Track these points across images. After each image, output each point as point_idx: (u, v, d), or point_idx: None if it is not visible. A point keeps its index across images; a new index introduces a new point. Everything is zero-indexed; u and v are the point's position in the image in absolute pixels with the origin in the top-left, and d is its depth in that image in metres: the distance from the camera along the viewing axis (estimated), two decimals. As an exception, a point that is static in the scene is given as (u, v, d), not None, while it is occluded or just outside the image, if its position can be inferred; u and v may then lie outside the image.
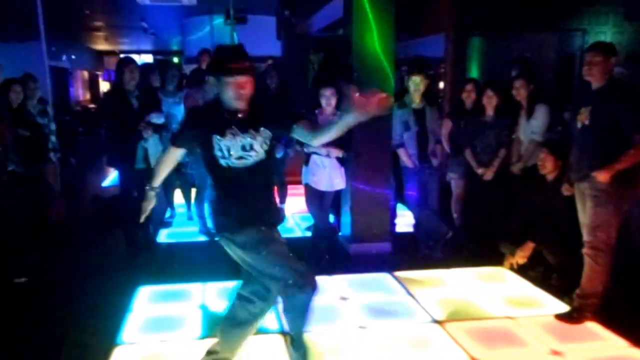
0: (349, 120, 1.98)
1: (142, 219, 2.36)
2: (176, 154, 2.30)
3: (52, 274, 3.87)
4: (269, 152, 2.22)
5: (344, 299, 3.40)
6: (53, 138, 4.94)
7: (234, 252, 2.24)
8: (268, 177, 2.29)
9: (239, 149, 2.13)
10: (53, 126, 4.97)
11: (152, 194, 2.31)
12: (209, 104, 2.23)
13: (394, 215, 4.63)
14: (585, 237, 3.01)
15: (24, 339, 2.94)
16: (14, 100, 4.29)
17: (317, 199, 4.15)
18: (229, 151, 2.13)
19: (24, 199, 4.00)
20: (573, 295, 3.13)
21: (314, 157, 4.07)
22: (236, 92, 2.08)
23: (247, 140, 2.15)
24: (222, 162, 2.14)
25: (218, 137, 2.13)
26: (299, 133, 2.21)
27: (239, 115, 2.15)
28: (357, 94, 1.89)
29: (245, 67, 2.09)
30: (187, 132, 2.24)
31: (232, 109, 2.14)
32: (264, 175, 2.24)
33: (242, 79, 2.08)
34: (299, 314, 2.27)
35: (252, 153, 2.15)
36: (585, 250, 3.02)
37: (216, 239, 2.35)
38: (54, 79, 9.40)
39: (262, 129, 2.18)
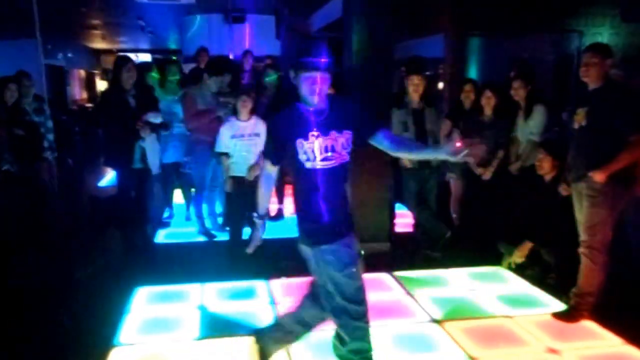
0: (437, 157, 2.33)
1: (251, 250, 2.37)
2: (274, 171, 2.28)
3: (49, 274, 3.87)
4: (351, 154, 2.24)
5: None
6: (50, 137, 4.87)
7: (316, 260, 2.21)
8: (347, 179, 2.31)
9: (323, 151, 2.15)
10: (50, 124, 4.90)
11: (260, 222, 2.31)
12: (287, 110, 2.25)
13: (393, 215, 4.67)
14: (582, 236, 3.06)
15: (23, 340, 2.95)
16: (9, 98, 4.27)
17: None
18: (313, 153, 2.14)
19: (18, 199, 4.00)
20: (570, 294, 3.18)
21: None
22: (310, 87, 2.11)
23: (329, 141, 2.16)
24: (308, 164, 2.16)
25: (303, 140, 2.14)
26: (378, 141, 2.27)
27: (321, 117, 2.17)
28: (459, 142, 2.10)
29: (319, 63, 2.10)
30: (277, 144, 2.22)
31: (309, 106, 2.16)
32: (345, 177, 2.26)
33: (316, 74, 2.10)
34: (355, 340, 2.22)
35: (335, 155, 2.17)
36: (581, 250, 3.07)
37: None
38: (50, 77, 9.39)
39: (345, 130, 2.20)
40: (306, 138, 2.14)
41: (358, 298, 2.20)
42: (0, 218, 3.83)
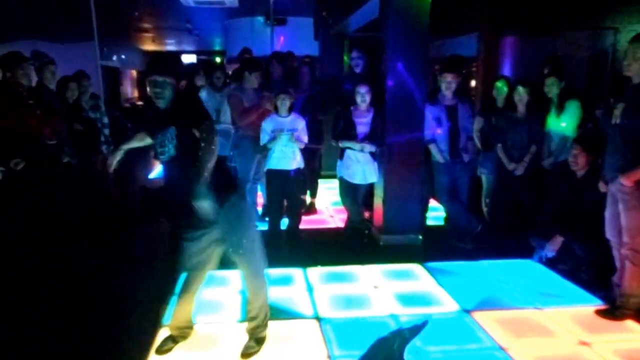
0: None
1: None
2: None
3: (102, 259, 3.94)
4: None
5: (376, 287, 3.44)
6: (106, 131, 5.00)
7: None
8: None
9: None
10: (106, 120, 5.02)
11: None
12: None
13: (425, 208, 4.62)
14: (624, 238, 2.89)
15: (77, 319, 3.02)
16: (70, 96, 4.45)
17: (350, 192, 4.20)
18: None
19: (77, 188, 4.12)
20: (615, 292, 3.04)
21: (348, 152, 4.11)
22: None
23: None
24: None
25: None
26: None
27: None
28: None
29: None
30: None
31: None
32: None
33: None
34: None
35: None
36: (624, 252, 2.92)
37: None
38: (105, 77, 9.73)
39: None
40: None
41: None
42: (61, 206, 3.96)
